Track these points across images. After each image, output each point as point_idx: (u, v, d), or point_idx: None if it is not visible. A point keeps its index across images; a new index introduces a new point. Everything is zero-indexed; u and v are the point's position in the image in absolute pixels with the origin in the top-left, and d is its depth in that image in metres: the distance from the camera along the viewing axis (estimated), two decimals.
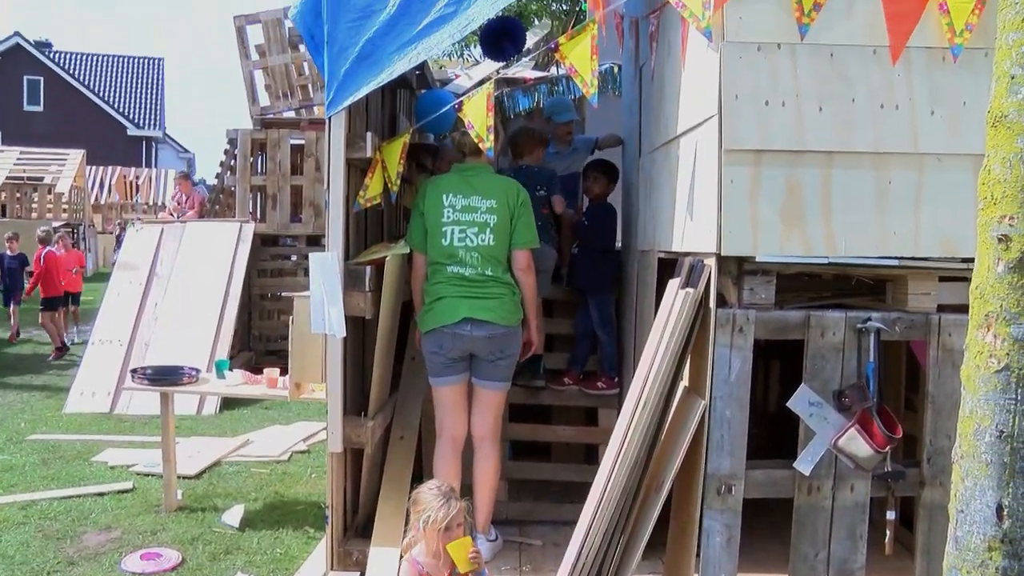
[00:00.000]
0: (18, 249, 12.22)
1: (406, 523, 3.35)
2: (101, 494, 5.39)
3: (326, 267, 3.72)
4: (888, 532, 3.31)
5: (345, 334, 3.75)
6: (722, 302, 3.25)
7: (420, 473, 4.50)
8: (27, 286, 11.76)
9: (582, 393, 4.97)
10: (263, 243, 10.13)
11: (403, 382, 4.74)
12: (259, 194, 10.25)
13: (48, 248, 11.24)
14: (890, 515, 3.31)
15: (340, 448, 3.87)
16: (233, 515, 4.99)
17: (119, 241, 16.11)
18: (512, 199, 4.02)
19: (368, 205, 4.04)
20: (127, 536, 4.70)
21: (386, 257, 3.97)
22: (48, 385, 8.93)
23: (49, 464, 6.07)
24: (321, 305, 3.72)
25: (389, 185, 4.06)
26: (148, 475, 5.75)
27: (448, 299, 3.94)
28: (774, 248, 3.15)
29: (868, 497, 3.23)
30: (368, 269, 3.90)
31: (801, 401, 3.21)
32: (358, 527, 4.29)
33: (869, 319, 3.20)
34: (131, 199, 25.92)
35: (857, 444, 3.15)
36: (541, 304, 4.34)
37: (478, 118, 3.74)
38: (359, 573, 3.92)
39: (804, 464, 3.20)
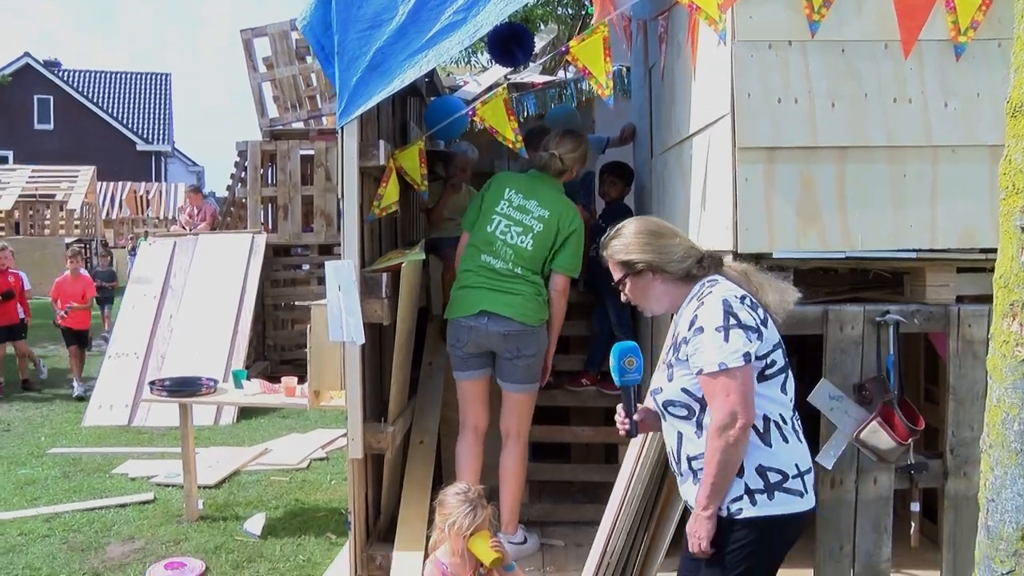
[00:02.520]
0: None
1: (430, 523, 3.37)
2: (123, 505, 5.42)
3: (343, 275, 3.73)
4: (913, 524, 3.30)
5: (364, 341, 3.77)
6: None
7: (441, 477, 4.51)
8: None
9: (600, 393, 4.97)
10: (275, 253, 10.18)
11: (421, 387, 4.76)
12: (270, 205, 10.30)
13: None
14: (914, 507, 3.31)
15: (361, 454, 3.88)
16: (255, 523, 5.02)
17: (134, 252, 15.62)
18: (564, 221, 4.05)
19: (383, 215, 4.06)
20: (150, 546, 4.73)
21: (402, 264, 3.99)
22: (67, 399, 8.98)
23: (71, 477, 6.11)
24: (339, 313, 3.73)
25: (417, 187, 4.11)
26: (168, 486, 5.79)
27: (470, 289, 3.98)
28: (790, 244, 3.16)
29: (892, 490, 3.23)
30: (384, 276, 3.92)
31: (821, 396, 3.21)
32: (380, 532, 4.31)
33: (888, 312, 3.20)
34: (142, 214, 26.06)
35: (879, 437, 3.14)
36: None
37: (500, 123, 3.78)
38: None
39: (826, 458, 3.20)
